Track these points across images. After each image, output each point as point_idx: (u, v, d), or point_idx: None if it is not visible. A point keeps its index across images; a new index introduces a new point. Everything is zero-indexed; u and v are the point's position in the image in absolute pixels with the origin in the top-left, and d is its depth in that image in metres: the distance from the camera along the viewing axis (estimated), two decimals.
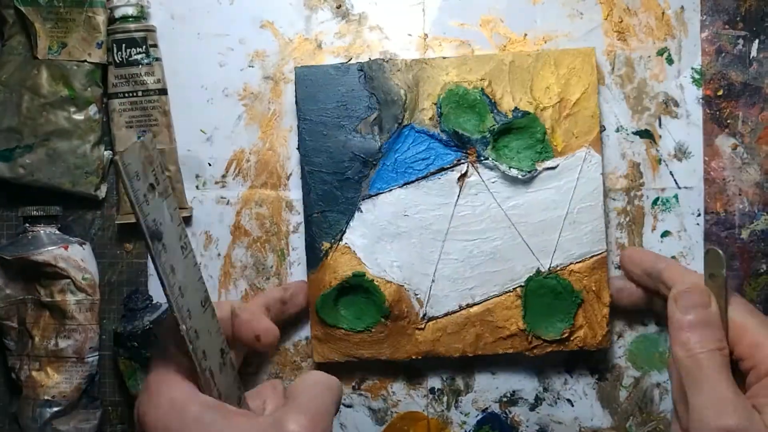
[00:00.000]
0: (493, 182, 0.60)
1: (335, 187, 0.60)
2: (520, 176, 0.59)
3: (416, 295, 0.60)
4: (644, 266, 0.58)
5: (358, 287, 0.60)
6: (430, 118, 0.60)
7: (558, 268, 0.60)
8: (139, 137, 0.61)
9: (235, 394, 0.48)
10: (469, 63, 0.60)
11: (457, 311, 0.60)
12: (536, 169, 0.59)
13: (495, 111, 0.60)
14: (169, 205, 0.44)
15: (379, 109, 0.60)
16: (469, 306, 0.60)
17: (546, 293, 0.60)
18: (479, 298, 0.60)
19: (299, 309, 0.61)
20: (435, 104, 0.60)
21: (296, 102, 0.61)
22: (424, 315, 0.60)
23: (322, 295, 0.60)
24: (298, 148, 0.61)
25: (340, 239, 0.60)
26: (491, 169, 0.60)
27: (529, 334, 0.60)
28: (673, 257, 0.62)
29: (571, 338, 0.60)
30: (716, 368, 0.47)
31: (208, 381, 0.46)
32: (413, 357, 0.60)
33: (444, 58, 0.60)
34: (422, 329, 0.60)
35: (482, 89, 0.60)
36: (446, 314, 0.60)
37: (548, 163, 0.60)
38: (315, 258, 0.61)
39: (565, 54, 0.60)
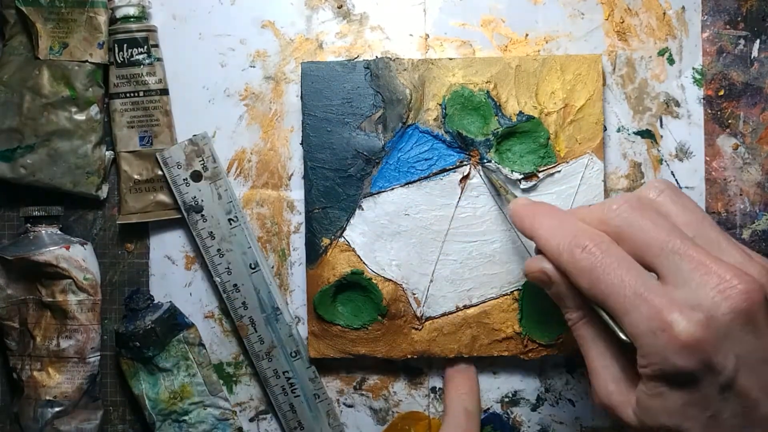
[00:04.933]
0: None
1: (337, 184, 0.60)
2: (522, 183, 0.59)
3: (414, 294, 0.60)
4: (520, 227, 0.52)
5: (356, 285, 0.60)
6: (435, 119, 0.60)
7: None
8: (140, 137, 0.61)
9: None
10: (476, 65, 0.60)
11: (454, 312, 0.60)
12: (536, 172, 0.59)
13: (499, 114, 0.60)
14: (218, 187, 0.59)
15: (384, 107, 0.60)
16: (466, 307, 0.60)
17: (543, 297, 0.60)
18: (476, 300, 0.60)
19: None
20: (440, 105, 0.60)
21: (301, 97, 0.61)
22: (422, 315, 0.60)
23: (320, 291, 0.60)
24: (301, 143, 0.61)
25: (340, 236, 0.60)
26: (493, 171, 0.60)
27: (525, 337, 0.60)
28: None
29: (567, 343, 0.60)
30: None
31: (245, 328, 0.60)
32: (409, 356, 0.60)
33: (450, 59, 0.60)
34: (419, 329, 0.60)
35: (488, 92, 0.60)
36: (443, 315, 0.60)
37: (550, 169, 0.60)
38: (314, 254, 0.61)
39: (571, 60, 0.60)
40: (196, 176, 0.60)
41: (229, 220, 0.60)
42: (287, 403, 0.61)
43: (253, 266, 0.60)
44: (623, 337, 0.44)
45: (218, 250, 0.60)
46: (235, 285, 0.60)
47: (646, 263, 0.43)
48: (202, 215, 0.60)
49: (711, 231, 0.44)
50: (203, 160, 0.60)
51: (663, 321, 0.40)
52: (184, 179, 0.59)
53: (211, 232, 0.60)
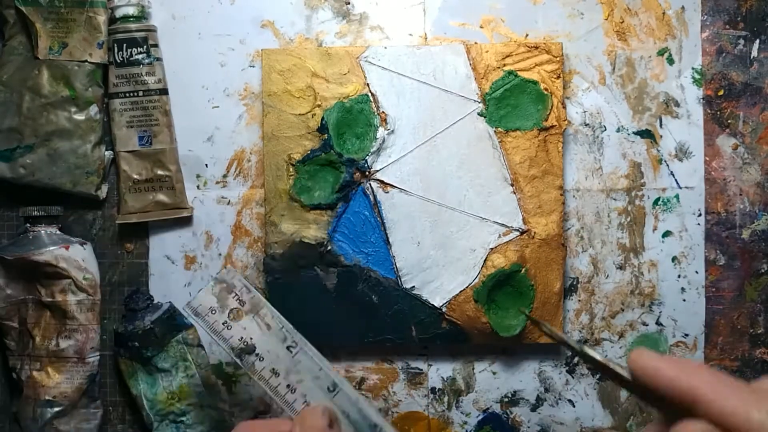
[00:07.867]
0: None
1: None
2: None
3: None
4: (666, 385, 0.35)
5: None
6: None
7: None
8: (140, 137, 0.61)
9: None
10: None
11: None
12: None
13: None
14: (262, 317, 0.51)
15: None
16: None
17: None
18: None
19: None
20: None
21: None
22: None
23: None
24: None
25: None
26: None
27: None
28: (674, 258, 0.62)
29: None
30: None
31: None
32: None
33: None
34: None
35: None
36: None
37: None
38: None
39: None
40: (236, 314, 0.52)
41: (288, 348, 0.52)
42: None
43: (331, 389, 0.51)
44: None
45: (288, 386, 0.51)
46: None
47: None
48: (257, 354, 0.51)
49: None
50: (237, 294, 0.52)
51: None
52: (223, 323, 0.52)
53: (273, 369, 0.51)
